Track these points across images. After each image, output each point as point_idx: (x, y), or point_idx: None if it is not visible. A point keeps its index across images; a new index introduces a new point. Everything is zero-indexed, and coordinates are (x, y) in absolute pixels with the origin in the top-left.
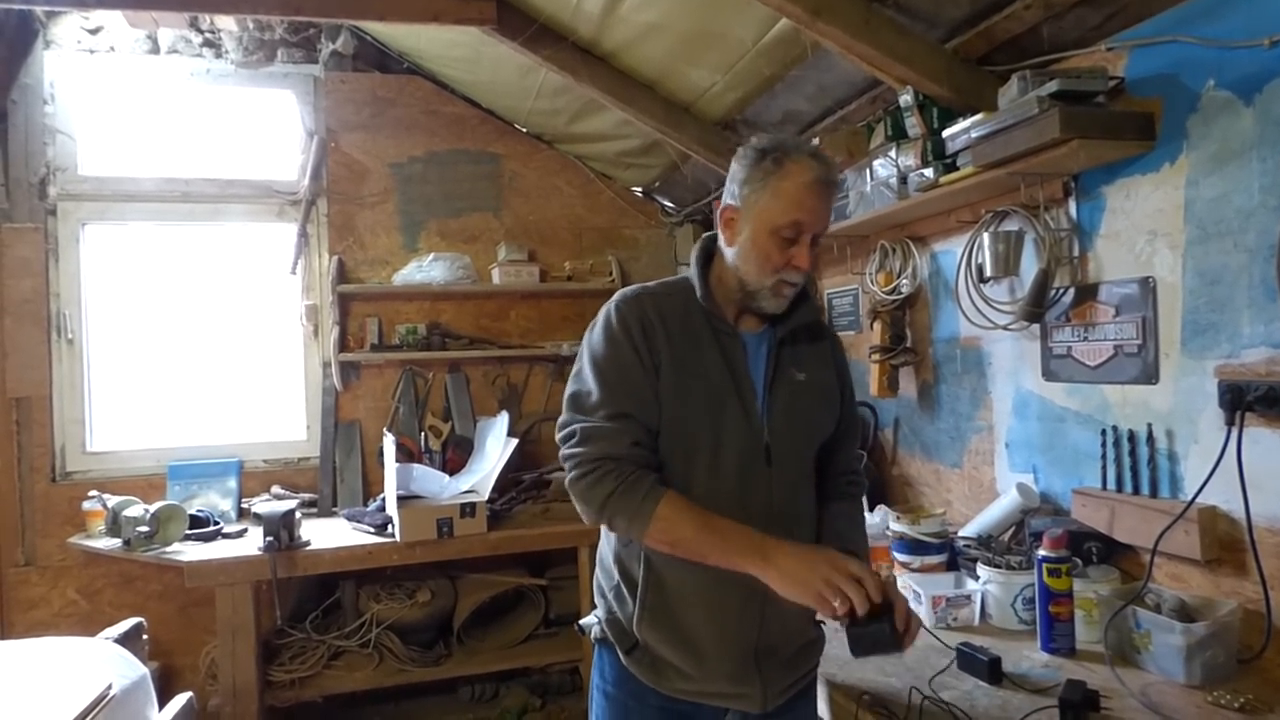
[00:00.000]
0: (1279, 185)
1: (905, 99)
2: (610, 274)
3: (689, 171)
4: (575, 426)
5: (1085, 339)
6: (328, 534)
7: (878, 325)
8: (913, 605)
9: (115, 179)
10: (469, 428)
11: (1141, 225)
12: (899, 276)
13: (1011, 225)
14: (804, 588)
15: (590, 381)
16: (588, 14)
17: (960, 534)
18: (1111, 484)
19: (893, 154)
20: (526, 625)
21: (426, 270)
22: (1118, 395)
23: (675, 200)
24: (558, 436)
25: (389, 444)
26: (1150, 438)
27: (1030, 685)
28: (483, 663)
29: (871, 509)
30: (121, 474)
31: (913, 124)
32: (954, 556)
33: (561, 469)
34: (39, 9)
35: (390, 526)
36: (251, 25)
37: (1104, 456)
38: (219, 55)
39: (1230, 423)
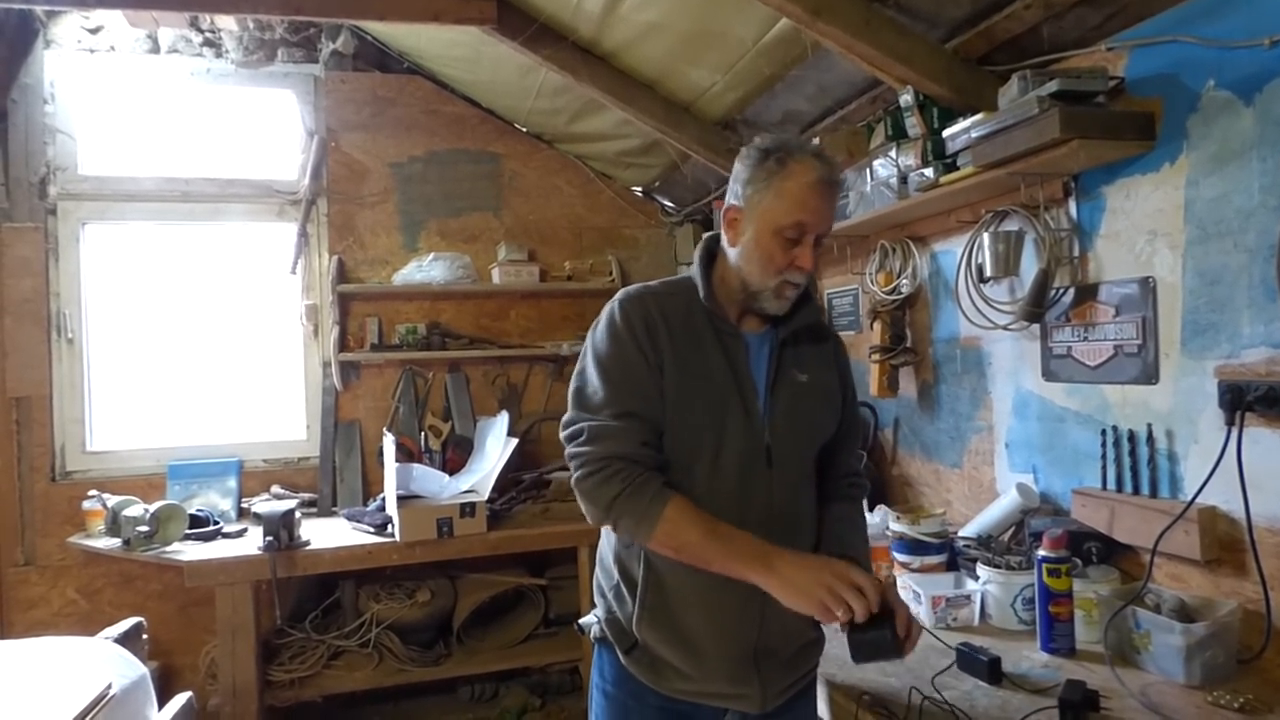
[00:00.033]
0: (1279, 185)
1: (905, 99)
2: (610, 274)
3: (689, 171)
4: (582, 425)
5: (1085, 339)
6: (327, 534)
7: (878, 325)
8: (913, 605)
9: (115, 178)
10: (469, 427)
11: (1141, 225)
12: (899, 276)
13: (1011, 225)
14: (807, 597)
15: (595, 380)
16: (588, 13)
17: (960, 534)
18: (1111, 484)
19: (893, 154)
20: (526, 625)
21: (426, 270)
22: (1118, 395)
23: (675, 200)
24: (562, 434)
25: (389, 444)
26: (1150, 438)
27: (1030, 685)
28: (482, 662)
29: (871, 509)
30: (121, 474)
31: (913, 124)
32: (954, 556)
33: (562, 469)
34: (39, 8)
35: (390, 526)
36: (252, 25)
37: (1104, 456)
38: (219, 55)
39: (1230, 423)
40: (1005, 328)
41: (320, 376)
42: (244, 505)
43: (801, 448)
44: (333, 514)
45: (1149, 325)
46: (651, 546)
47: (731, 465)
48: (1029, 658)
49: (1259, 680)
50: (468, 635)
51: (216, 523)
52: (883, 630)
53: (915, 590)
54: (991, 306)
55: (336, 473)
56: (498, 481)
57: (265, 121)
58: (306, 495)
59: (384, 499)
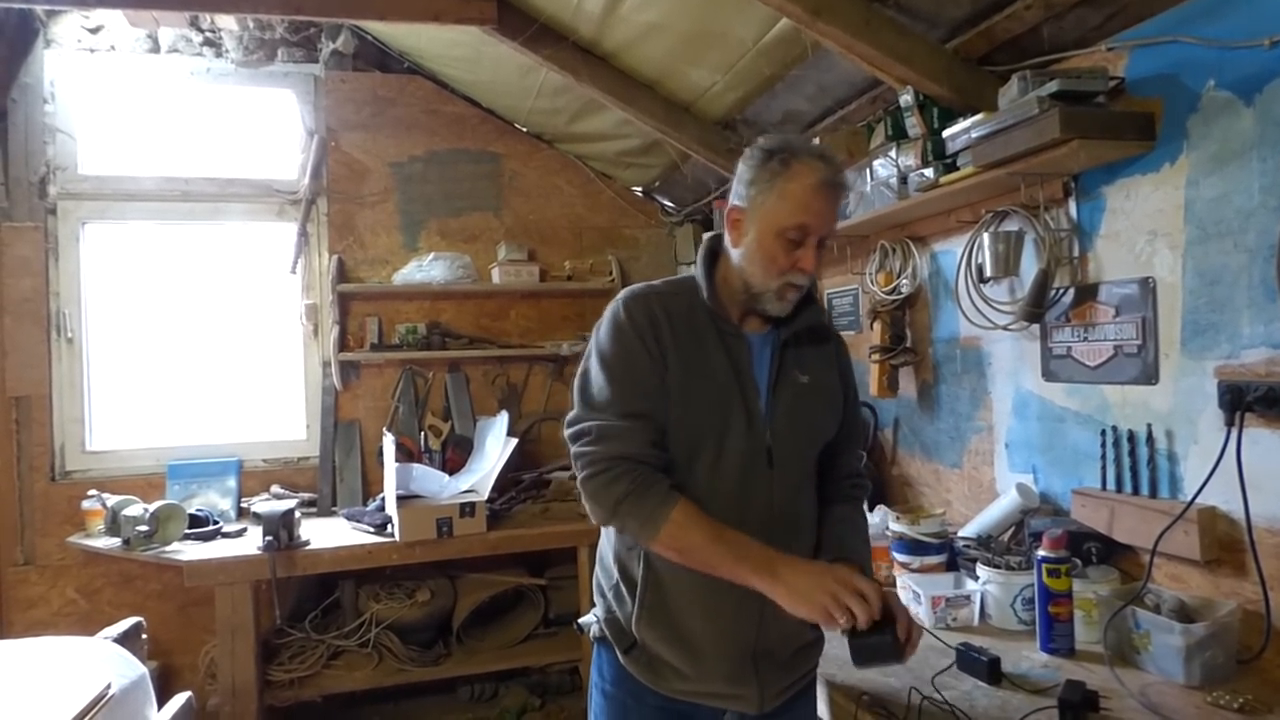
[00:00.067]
0: (1279, 185)
1: (905, 99)
2: (610, 274)
3: (689, 171)
4: (588, 424)
5: (1085, 339)
6: (327, 533)
7: (878, 325)
8: (912, 606)
9: (115, 178)
10: (469, 427)
11: (1141, 225)
12: (899, 276)
13: (1011, 225)
14: (810, 604)
15: (600, 378)
16: (588, 14)
17: (960, 534)
18: (1111, 484)
19: (893, 154)
20: (526, 625)
21: (426, 270)
22: (1117, 395)
23: (675, 200)
24: (567, 433)
25: (388, 443)
26: (1150, 438)
27: (1029, 685)
28: (482, 662)
29: (871, 509)
30: (121, 473)
31: (913, 124)
32: (953, 557)
33: (561, 469)
34: (39, 8)
35: (390, 526)
36: (252, 24)
37: (1103, 457)
38: (219, 54)
39: (1230, 423)
40: (1005, 328)
41: (320, 376)
42: (243, 505)
43: (802, 448)
44: (332, 514)
45: (1149, 325)
46: (655, 549)
47: (732, 465)
48: (1028, 658)
49: (1258, 680)
50: (467, 635)
51: (216, 522)
52: (884, 635)
53: (915, 590)
54: (991, 306)
55: (336, 472)
56: (497, 481)
57: (265, 121)
58: (306, 495)
59: (384, 499)
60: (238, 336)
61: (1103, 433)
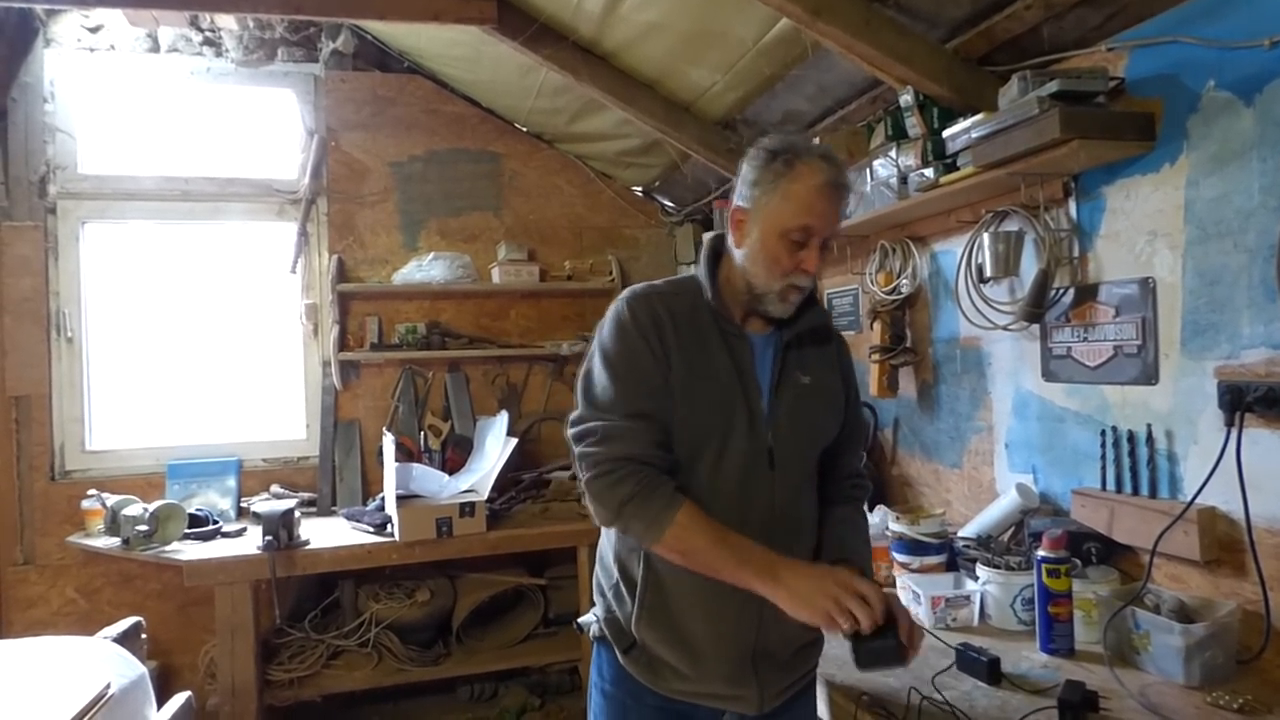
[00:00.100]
0: (1279, 186)
1: (905, 99)
2: (610, 273)
3: (689, 171)
4: (593, 424)
5: (1085, 339)
6: (327, 533)
7: (878, 325)
8: (912, 606)
9: (115, 177)
10: (468, 427)
11: (1141, 225)
12: (899, 276)
13: (1011, 225)
14: (812, 609)
15: (604, 378)
16: (588, 13)
17: (960, 534)
18: (1111, 484)
19: (893, 154)
20: (525, 625)
21: (426, 269)
22: (1117, 396)
23: (675, 200)
24: (571, 433)
25: (388, 443)
26: (1150, 438)
27: (1029, 686)
28: (482, 662)
29: (871, 509)
30: (121, 473)
31: (913, 124)
32: (953, 557)
33: (561, 469)
34: (39, 7)
35: (389, 526)
36: (252, 24)
37: (1103, 457)
38: (219, 54)
39: (1230, 423)
40: (1005, 328)
41: (320, 376)
42: (243, 504)
43: (804, 449)
44: (332, 513)
45: (1149, 325)
46: (659, 551)
47: (734, 466)
48: (1028, 658)
49: (1258, 681)
50: (467, 635)
51: (216, 522)
52: (887, 639)
53: (915, 590)
54: (991, 306)
55: (336, 472)
56: (497, 481)
57: (265, 121)
58: (306, 495)
59: (383, 498)
60: (238, 336)
61: (1102, 433)
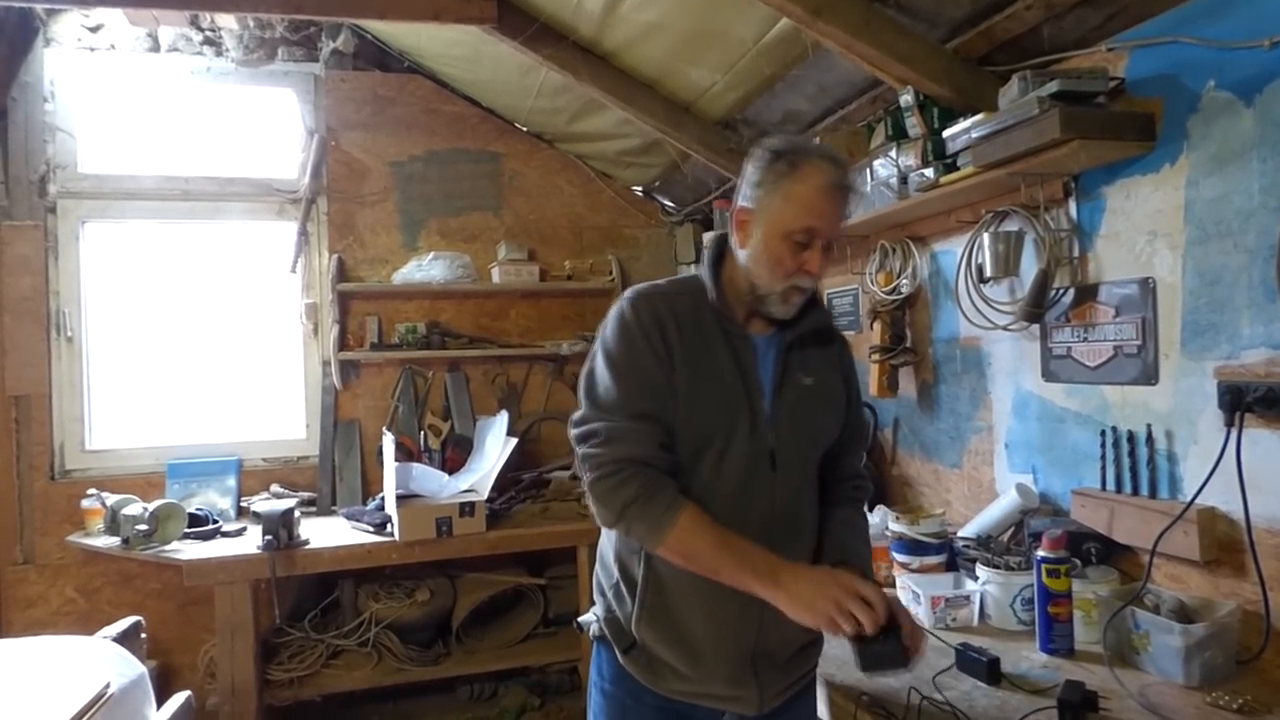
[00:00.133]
0: (1279, 186)
1: (906, 99)
2: (610, 273)
3: (689, 171)
4: (596, 425)
5: (1085, 339)
6: (327, 533)
7: (878, 325)
8: (912, 606)
9: (115, 177)
10: (468, 427)
11: (1141, 226)
12: (899, 276)
13: (1011, 225)
14: (814, 612)
15: (608, 379)
16: (588, 13)
17: (959, 534)
18: (1111, 485)
19: (893, 154)
20: (525, 624)
21: (426, 269)
22: (1117, 396)
23: (675, 199)
24: (573, 434)
25: (388, 443)
26: (1150, 438)
27: (1029, 686)
28: (481, 662)
29: (871, 509)
30: (120, 472)
31: (913, 124)
32: (953, 557)
33: (561, 468)
34: (39, 6)
35: (389, 525)
36: (252, 23)
37: (1103, 457)
38: (219, 53)
39: (1230, 424)
40: (1005, 328)
41: (320, 375)
42: (243, 504)
43: (805, 451)
44: (332, 513)
45: (1149, 326)
46: (660, 553)
47: (736, 467)
48: (1028, 658)
49: (1258, 681)
50: (467, 635)
51: (215, 521)
52: (890, 643)
53: (915, 590)
54: (991, 307)
55: (336, 472)
56: (497, 481)
57: (265, 120)
58: (306, 494)
59: (383, 498)
60: (237, 336)
61: (1102, 433)
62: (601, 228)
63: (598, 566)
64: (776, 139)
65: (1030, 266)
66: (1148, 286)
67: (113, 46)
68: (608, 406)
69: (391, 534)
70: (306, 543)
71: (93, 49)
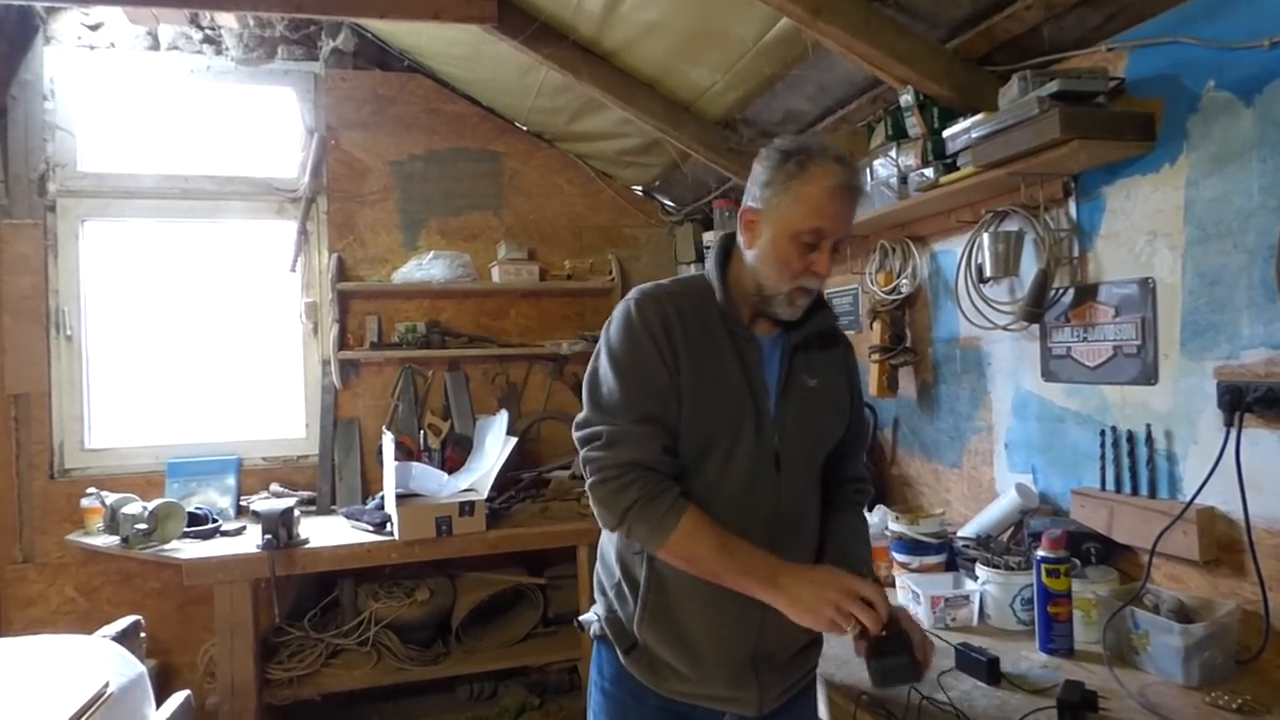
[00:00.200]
0: (1279, 186)
1: (905, 99)
2: (610, 273)
3: (689, 170)
4: (599, 428)
5: (1085, 339)
6: (326, 532)
7: (877, 325)
8: (911, 606)
9: (115, 175)
10: (468, 426)
11: (1141, 226)
12: (899, 276)
13: (1011, 225)
14: (815, 614)
15: (612, 380)
16: (588, 13)
17: (959, 534)
18: (1110, 484)
19: (893, 154)
20: (525, 624)
21: (426, 268)
22: (1117, 396)
23: (675, 199)
24: (576, 435)
25: (388, 442)
26: (1149, 438)
27: (1029, 686)
28: (481, 661)
29: (871, 509)
30: (120, 471)
31: (913, 124)
32: (953, 557)
33: (561, 468)
34: (39, 4)
35: (389, 525)
36: (252, 22)
37: (1103, 457)
38: (219, 52)
39: (1229, 424)
40: (1005, 328)
41: (320, 374)
42: (243, 503)
43: (810, 452)
44: (332, 512)
45: (1148, 326)
46: (662, 556)
47: (740, 469)
48: (1028, 658)
49: (1257, 681)
50: (466, 634)
51: (215, 521)
52: (901, 656)
53: (914, 590)
54: (991, 306)
55: (335, 471)
56: (497, 480)
57: (265, 119)
58: (305, 493)
59: (383, 497)
60: (237, 334)
61: (1102, 433)
62: (601, 227)
63: (599, 565)
64: (785, 139)
65: (1030, 266)
66: (1147, 286)
67: (112, 45)
68: (611, 409)
69: (391, 533)
70: (306, 542)
71: (92, 47)
